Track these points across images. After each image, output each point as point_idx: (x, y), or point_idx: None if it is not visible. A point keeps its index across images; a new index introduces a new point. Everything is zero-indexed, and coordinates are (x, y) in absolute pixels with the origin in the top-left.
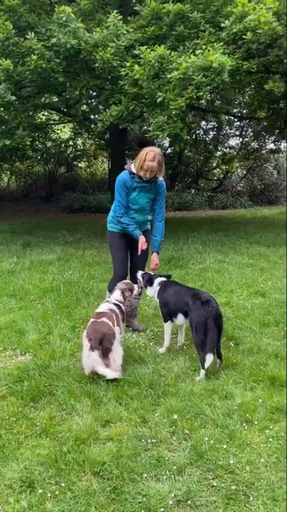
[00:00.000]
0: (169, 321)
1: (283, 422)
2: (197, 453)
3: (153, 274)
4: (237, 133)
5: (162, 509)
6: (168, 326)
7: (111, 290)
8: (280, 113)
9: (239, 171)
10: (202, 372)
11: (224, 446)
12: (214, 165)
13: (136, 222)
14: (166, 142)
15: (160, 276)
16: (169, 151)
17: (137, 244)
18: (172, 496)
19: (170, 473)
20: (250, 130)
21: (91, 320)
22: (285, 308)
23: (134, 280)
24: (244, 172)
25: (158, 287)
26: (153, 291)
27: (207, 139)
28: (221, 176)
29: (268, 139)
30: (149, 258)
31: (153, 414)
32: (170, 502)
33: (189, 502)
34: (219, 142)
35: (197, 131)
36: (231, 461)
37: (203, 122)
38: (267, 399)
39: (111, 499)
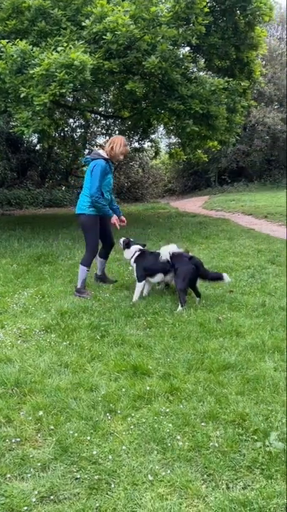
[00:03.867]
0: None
1: (145, 409)
2: (61, 447)
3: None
4: (104, 131)
5: (25, 507)
6: (140, 285)
7: (87, 265)
8: (142, 113)
9: None
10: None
11: (88, 438)
12: (83, 162)
13: (108, 202)
14: (34, 138)
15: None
16: (38, 147)
17: (104, 221)
18: (36, 493)
19: (34, 471)
20: (116, 129)
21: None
22: (147, 299)
23: (108, 249)
24: None
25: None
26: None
27: (75, 136)
28: None
29: (132, 138)
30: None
31: (18, 412)
32: (34, 499)
33: (52, 497)
34: (87, 140)
35: (65, 129)
36: (95, 452)
37: (71, 120)
38: (130, 388)
39: None
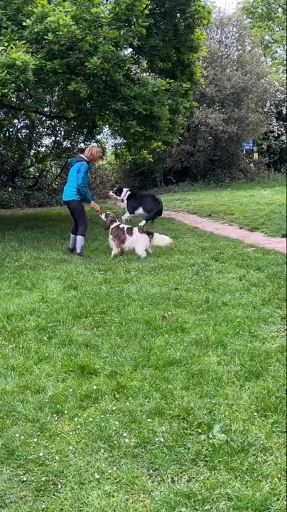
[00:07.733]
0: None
1: (92, 408)
2: (8, 451)
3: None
4: (50, 132)
5: None
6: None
7: (83, 235)
8: (87, 114)
9: (53, 169)
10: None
11: (35, 440)
12: (29, 163)
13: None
14: None
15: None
16: None
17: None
18: None
19: None
20: (62, 129)
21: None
22: (95, 299)
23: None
24: (59, 170)
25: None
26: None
27: (21, 137)
28: (37, 174)
29: (78, 139)
30: None
31: None
32: None
33: None
34: (33, 141)
35: (10, 129)
36: (42, 454)
37: (15, 120)
38: (77, 388)
39: None
